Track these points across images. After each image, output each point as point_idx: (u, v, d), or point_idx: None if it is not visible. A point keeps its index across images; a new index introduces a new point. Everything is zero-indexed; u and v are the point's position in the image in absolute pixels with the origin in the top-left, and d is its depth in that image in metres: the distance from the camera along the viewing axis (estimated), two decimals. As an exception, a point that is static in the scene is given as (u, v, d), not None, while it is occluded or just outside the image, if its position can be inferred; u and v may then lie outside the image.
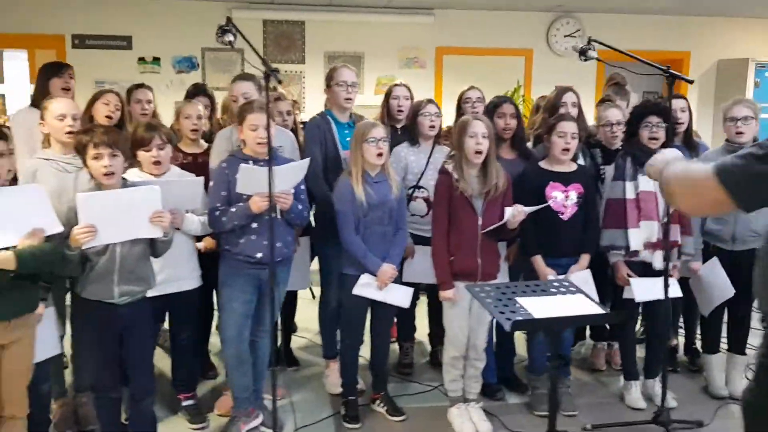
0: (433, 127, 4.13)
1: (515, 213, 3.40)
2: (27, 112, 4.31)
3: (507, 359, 4.18)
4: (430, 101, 4.19)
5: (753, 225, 3.88)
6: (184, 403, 3.74)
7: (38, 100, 4.29)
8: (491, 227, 3.46)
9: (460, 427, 3.64)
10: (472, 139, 3.44)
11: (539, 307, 2.80)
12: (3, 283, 2.64)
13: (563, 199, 3.67)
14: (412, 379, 4.32)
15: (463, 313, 3.59)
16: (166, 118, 4.67)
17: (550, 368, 2.83)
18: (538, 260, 3.69)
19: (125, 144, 3.04)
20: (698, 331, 4.42)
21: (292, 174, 3.35)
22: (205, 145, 4.11)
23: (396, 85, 4.47)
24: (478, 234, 3.49)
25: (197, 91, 4.77)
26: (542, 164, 3.78)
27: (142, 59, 7.86)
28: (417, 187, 4.09)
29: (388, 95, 4.42)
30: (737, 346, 4.14)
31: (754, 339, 4.15)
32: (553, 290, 2.94)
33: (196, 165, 3.90)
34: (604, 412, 3.88)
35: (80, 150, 2.98)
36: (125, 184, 3.03)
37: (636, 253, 3.76)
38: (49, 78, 4.26)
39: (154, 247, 3.07)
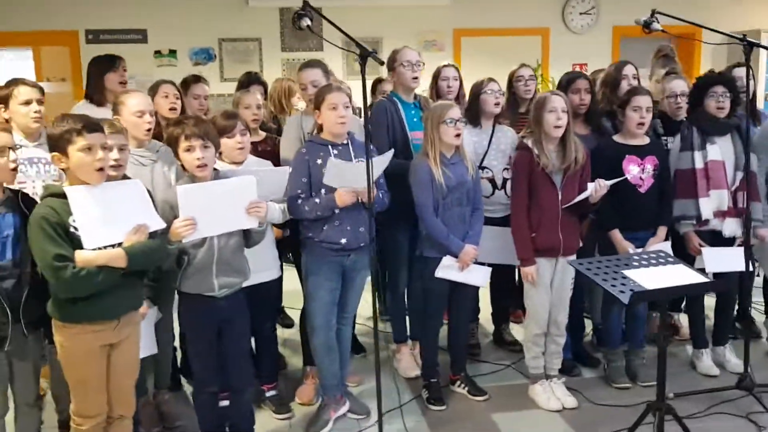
0: (497, 104, 4.11)
1: (597, 187, 3.40)
2: (84, 107, 4.23)
3: (577, 335, 4.18)
4: (491, 80, 4.17)
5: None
6: (268, 394, 3.72)
7: (93, 95, 4.24)
8: (574, 201, 3.46)
9: (546, 403, 3.65)
10: (552, 114, 3.43)
11: (648, 278, 2.82)
12: (113, 282, 2.59)
13: (639, 172, 3.67)
14: (481, 359, 4.32)
15: (545, 290, 3.59)
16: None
17: (661, 338, 2.86)
18: (617, 234, 3.69)
19: (215, 135, 2.99)
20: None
21: (376, 168, 3.32)
22: (263, 134, 4.07)
23: (444, 66, 4.45)
24: (559, 209, 3.49)
25: (251, 80, 4.71)
26: (617, 138, 3.78)
27: (158, 52, 7.78)
28: (481, 167, 4.07)
29: (436, 77, 4.41)
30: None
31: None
32: (654, 262, 2.95)
33: (257, 154, 3.85)
34: (679, 381, 3.89)
35: (171, 142, 2.94)
36: (217, 175, 2.99)
37: (706, 222, 3.78)
38: (104, 73, 4.18)
39: (248, 238, 3.04)
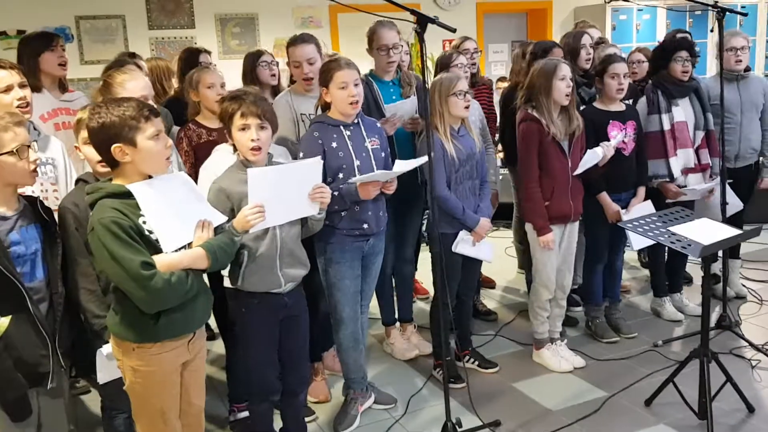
0: (466, 77, 4.07)
1: (606, 151, 3.53)
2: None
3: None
4: (460, 52, 4.13)
5: (753, 143, 4.35)
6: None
7: (27, 79, 3.57)
8: (586, 167, 3.54)
9: (558, 365, 3.73)
10: (563, 82, 3.47)
11: (693, 233, 2.96)
12: (200, 286, 2.23)
13: (623, 137, 3.84)
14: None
15: (555, 256, 3.65)
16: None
17: (704, 288, 3.03)
18: (605, 197, 3.84)
19: (275, 116, 2.67)
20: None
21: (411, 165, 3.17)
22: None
23: None
24: (569, 176, 3.56)
25: (192, 55, 4.24)
26: (597, 105, 3.91)
27: (2, 34, 6.77)
28: None
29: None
30: (733, 251, 4.64)
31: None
32: (683, 218, 3.11)
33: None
34: (653, 329, 4.19)
35: (225, 119, 2.58)
36: (270, 160, 2.68)
37: (674, 179, 4.05)
38: (39, 53, 3.53)
39: (307, 227, 2.75)
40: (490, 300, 4.84)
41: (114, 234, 2.05)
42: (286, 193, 2.55)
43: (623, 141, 3.84)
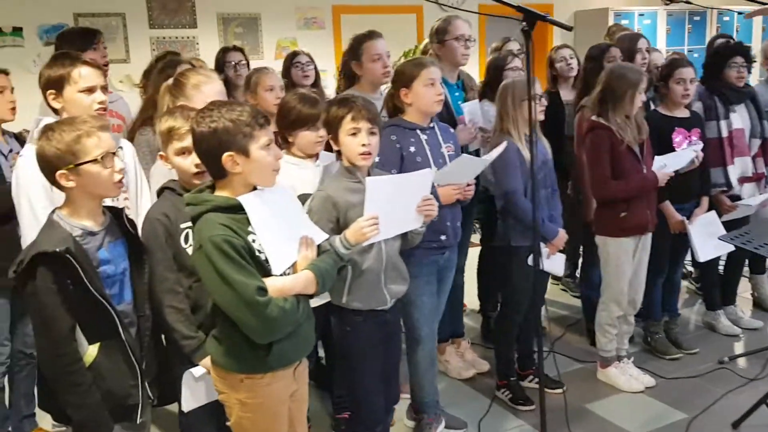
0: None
1: (694, 157, 3.39)
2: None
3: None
4: (514, 55, 3.94)
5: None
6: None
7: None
8: (671, 174, 3.38)
9: (627, 384, 3.56)
10: (641, 95, 3.33)
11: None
12: (309, 312, 2.00)
13: (687, 145, 3.69)
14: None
15: (628, 269, 3.48)
16: (38, 102, 3.58)
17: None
18: (669, 206, 3.68)
19: (381, 121, 2.47)
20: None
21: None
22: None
23: None
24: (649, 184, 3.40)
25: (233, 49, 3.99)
26: (661, 110, 3.75)
27: (-2, 31, 6.36)
28: None
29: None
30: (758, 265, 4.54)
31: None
32: None
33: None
34: (711, 344, 4.04)
35: (332, 123, 2.36)
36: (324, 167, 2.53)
37: (731, 188, 3.92)
38: (81, 52, 3.22)
39: (405, 240, 2.53)
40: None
41: (226, 254, 1.81)
42: (398, 204, 2.37)
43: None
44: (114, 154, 1.98)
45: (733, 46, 4.03)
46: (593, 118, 3.40)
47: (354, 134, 2.37)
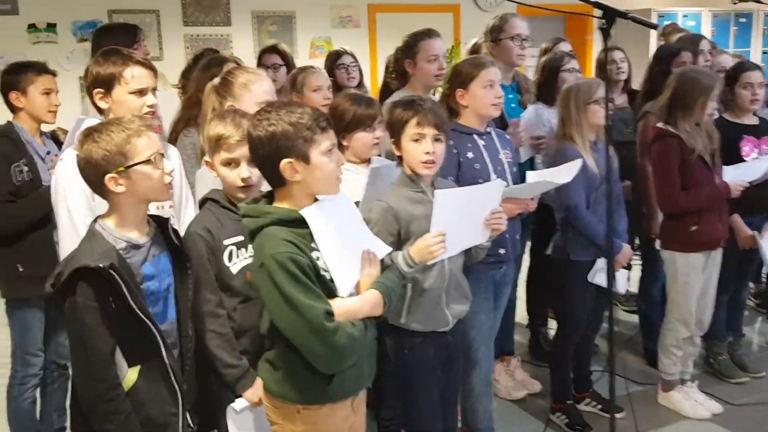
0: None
1: None
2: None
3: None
4: (572, 55, 3.72)
5: None
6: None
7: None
8: (746, 185, 3.14)
9: (693, 411, 3.32)
10: (713, 102, 3.09)
11: None
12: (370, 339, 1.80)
13: (757, 154, 3.44)
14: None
15: (697, 286, 3.24)
16: (71, 99, 3.35)
17: None
18: (738, 219, 3.43)
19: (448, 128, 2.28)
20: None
21: (564, 176, 2.77)
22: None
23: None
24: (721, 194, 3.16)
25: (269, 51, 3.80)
26: (727, 117, 3.50)
27: (32, 26, 6.27)
28: None
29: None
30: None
31: None
32: None
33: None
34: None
35: (395, 127, 2.17)
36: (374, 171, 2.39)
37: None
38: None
39: (469, 256, 2.33)
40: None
41: (291, 274, 1.62)
42: (466, 217, 2.18)
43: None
44: (162, 155, 1.80)
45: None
46: (660, 125, 3.17)
47: (417, 140, 2.19)
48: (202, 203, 2.09)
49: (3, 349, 2.97)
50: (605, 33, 2.26)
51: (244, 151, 1.92)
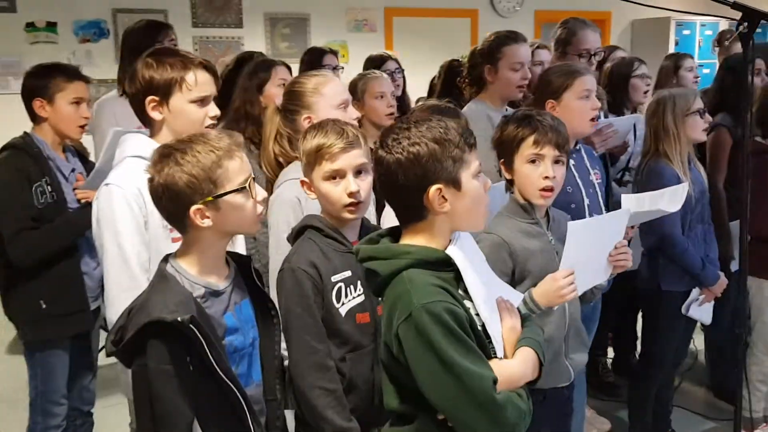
0: (647, 92, 3.37)
1: None
2: (114, 102, 2.77)
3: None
4: (641, 61, 3.41)
5: None
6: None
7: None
8: None
9: (783, 455, 3.00)
10: None
11: None
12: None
13: None
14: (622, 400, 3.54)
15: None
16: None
17: None
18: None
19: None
20: None
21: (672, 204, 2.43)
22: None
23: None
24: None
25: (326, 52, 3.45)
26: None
27: (31, 25, 5.87)
28: (627, 169, 3.30)
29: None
30: None
31: None
32: None
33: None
34: None
35: (507, 145, 1.87)
36: None
37: None
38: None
39: (584, 297, 1.98)
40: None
41: (450, 331, 1.28)
42: (594, 253, 1.84)
43: None
44: (255, 179, 1.45)
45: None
46: (758, 139, 2.86)
47: (535, 162, 1.85)
48: (299, 232, 1.73)
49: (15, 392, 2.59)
50: (746, 38, 1.92)
51: (350, 160, 1.59)
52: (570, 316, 1.91)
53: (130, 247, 1.69)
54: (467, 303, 1.36)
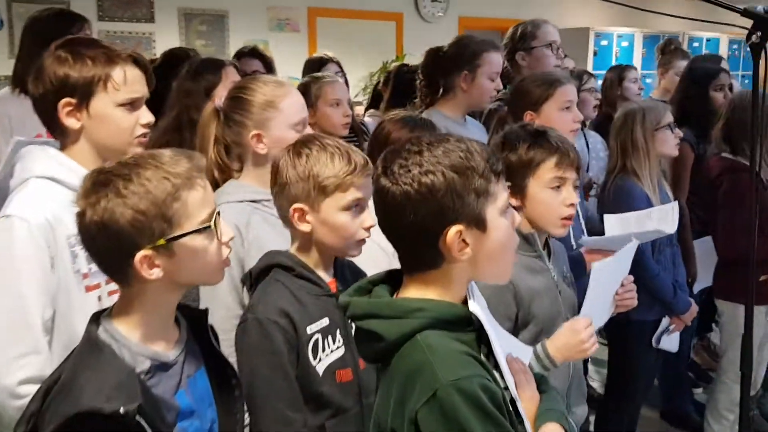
0: (596, 106, 3.24)
1: None
2: (7, 99, 2.33)
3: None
4: (589, 73, 3.27)
5: None
6: None
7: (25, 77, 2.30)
8: None
9: (746, 483, 2.89)
10: None
11: None
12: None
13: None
14: None
15: (757, 343, 2.82)
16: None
17: None
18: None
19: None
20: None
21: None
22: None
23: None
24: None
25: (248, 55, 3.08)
26: None
27: None
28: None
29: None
30: None
31: None
32: None
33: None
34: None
35: (519, 168, 1.59)
36: None
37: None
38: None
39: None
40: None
41: (489, 416, 1.00)
42: (604, 294, 1.59)
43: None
44: (219, 213, 1.12)
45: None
46: (727, 155, 2.73)
47: (558, 187, 1.59)
48: (264, 272, 1.41)
49: None
50: (757, 48, 1.73)
51: (370, 187, 1.30)
52: (573, 367, 1.67)
53: (33, 299, 1.31)
54: (496, 372, 1.08)
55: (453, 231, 1.04)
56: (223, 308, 1.56)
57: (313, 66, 3.31)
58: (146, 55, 2.81)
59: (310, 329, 1.35)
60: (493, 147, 1.62)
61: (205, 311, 1.23)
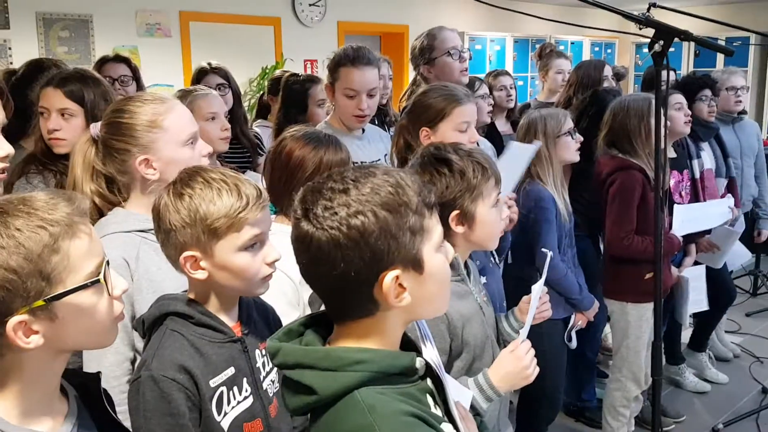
0: (490, 112, 3.26)
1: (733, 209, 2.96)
2: None
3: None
4: (480, 80, 3.28)
5: (752, 190, 4.03)
6: None
7: None
8: (712, 228, 2.88)
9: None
10: (681, 112, 2.80)
11: None
12: None
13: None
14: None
15: (648, 339, 2.90)
16: None
17: None
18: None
19: None
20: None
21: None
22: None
23: None
24: (678, 240, 2.85)
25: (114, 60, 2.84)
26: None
27: None
28: None
29: None
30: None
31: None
32: None
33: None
34: (686, 405, 3.62)
35: (460, 196, 1.53)
36: None
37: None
38: None
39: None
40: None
41: None
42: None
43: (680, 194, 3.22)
44: (108, 263, 0.95)
45: (703, 78, 3.63)
46: (617, 154, 2.79)
47: (497, 203, 1.55)
48: (157, 321, 1.22)
49: None
50: (658, 57, 1.72)
51: (267, 220, 1.14)
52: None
53: None
54: (446, 427, 0.97)
55: (389, 277, 0.94)
56: (112, 353, 1.37)
57: (198, 76, 3.10)
58: (1, 64, 2.51)
59: (213, 383, 1.21)
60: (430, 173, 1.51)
61: (97, 375, 1.05)
